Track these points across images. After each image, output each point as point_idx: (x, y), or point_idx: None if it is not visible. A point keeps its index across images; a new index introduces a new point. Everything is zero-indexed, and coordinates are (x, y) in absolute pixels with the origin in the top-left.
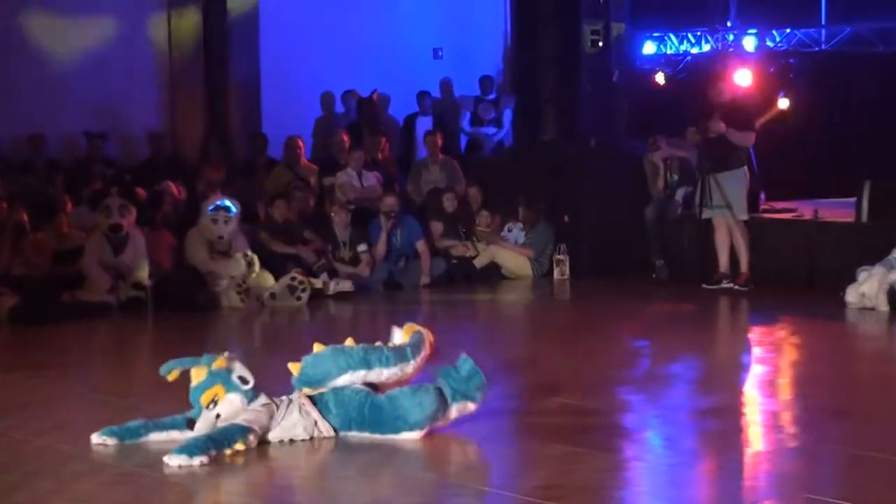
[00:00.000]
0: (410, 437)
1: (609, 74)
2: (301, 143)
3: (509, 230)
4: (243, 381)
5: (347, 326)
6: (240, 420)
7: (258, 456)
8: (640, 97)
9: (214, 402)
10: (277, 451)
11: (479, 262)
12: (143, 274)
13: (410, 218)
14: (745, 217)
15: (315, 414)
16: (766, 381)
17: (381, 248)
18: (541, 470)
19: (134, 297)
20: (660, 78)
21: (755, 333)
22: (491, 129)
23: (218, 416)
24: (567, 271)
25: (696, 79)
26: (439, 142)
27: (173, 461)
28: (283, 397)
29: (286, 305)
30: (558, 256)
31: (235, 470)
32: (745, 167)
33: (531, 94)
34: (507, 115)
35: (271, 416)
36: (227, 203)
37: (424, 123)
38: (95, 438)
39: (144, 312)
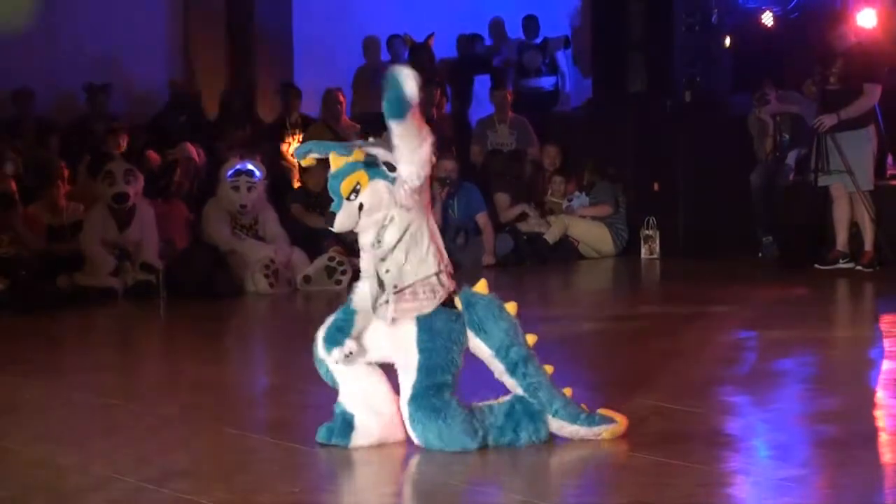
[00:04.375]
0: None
1: (708, 14)
2: (342, 98)
3: (570, 200)
4: (390, 166)
5: None
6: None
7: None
8: (744, 41)
9: (356, 190)
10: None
11: (551, 237)
12: (153, 253)
13: (471, 186)
14: (870, 187)
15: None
16: (895, 381)
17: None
18: (626, 485)
19: (142, 282)
20: (768, 18)
21: (882, 323)
22: (546, 80)
23: (361, 206)
24: (657, 249)
25: (811, 19)
26: (510, 97)
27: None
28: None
29: (323, 290)
30: (647, 232)
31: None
32: (871, 126)
33: (614, 37)
34: (562, 59)
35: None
36: (250, 166)
37: (481, 76)
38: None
39: (155, 299)
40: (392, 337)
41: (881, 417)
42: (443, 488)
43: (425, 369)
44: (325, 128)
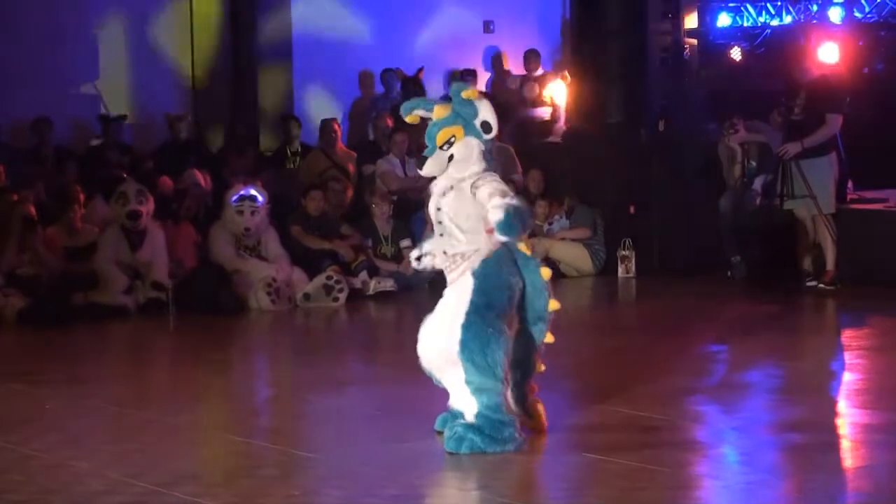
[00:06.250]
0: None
1: (679, 50)
2: (338, 127)
3: (550, 223)
4: (486, 127)
5: (390, 330)
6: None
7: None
8: (714, 75)
9: (450, 142)
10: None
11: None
12: (163, 273)
13: None
14: (831, 210)
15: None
16: (855, 391)
17: None
18: (602, 488)
19: (153, 299)
20: (736, 53)
21: (843, 338)
22: (543, 111)
23: (451, 157)
24: (633, 269)
25: (776, 54)
26: None
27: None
28: None
29: (321, 307)
30: (623, 252)
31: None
32: (832, 153)
33: (593, 72)
34: (559, 93)
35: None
36: (254, 192)
37: None
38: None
39: (165, 315)
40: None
41: (843, 425)
42: (435, 490)
43: (483, 302)
44: (321, 155)
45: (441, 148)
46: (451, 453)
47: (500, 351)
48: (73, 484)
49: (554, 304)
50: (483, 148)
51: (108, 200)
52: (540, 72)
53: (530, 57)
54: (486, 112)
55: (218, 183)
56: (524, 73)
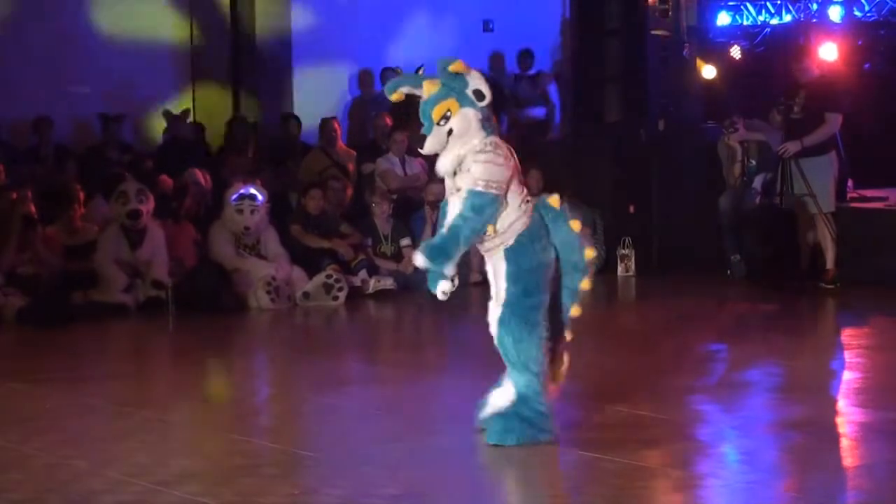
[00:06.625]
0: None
1: (679, 48)
2: (337, 126)
3: None
4: (479, 95)
5: (390, 329)
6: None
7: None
8: (713, 74)
9: (446, 117)
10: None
11: None
12: (163, 272)
13: None
14: (831, 209)
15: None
16: (855, 390)
17: None
18: (601, 486)
19: (153, 298)
20: (735, 52)
21: (843, 337)
22: (538, 110)
23: (451, 132)
24: (632, 268)
25: (775, 53)
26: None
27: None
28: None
29: (321, 306)
30: (623, 251)
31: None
32: (832, 152)
33: (592, 71)
34: (553, 91)
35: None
36: (253, 191)
37: None
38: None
39: (164, 314)
40: (489, 266)
41: (843, 424)
42: (438, 488)
43: (518, 291)
44: (321, 154)
45: (438, 124)
46: (494, 446)
47: (533, 348)
48: (73, 483)
49: (590, 253)
50: (481, 116)
51: (108, 199)
52: (535, 71)
53: (524, 56)
54: (476, 81)
55: (218, 182)
56: (521, 72)
